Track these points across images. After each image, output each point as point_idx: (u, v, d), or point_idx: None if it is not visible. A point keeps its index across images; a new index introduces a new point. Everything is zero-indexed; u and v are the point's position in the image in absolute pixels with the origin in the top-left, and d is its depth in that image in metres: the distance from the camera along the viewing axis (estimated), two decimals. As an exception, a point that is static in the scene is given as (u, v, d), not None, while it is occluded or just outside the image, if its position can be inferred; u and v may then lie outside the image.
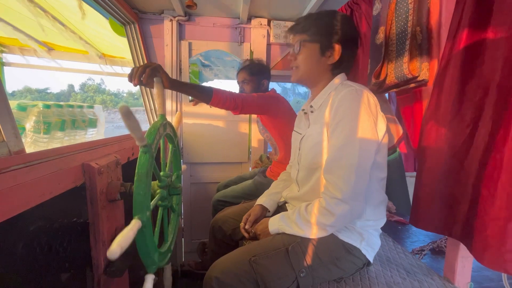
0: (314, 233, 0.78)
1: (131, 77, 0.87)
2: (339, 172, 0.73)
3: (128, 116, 0.55)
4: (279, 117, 1.40)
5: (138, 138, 0.59)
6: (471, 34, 0.66)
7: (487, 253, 0.63)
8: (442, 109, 0.73)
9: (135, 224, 0.58)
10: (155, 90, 0.86)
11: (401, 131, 1.33)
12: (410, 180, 2.25)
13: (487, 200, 0.63)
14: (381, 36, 1.00)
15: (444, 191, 0.73)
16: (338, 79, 0.86)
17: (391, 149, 1.82)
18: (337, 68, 0.87)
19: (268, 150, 2.03)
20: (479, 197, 0.65)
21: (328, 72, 0.87)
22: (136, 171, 0.63)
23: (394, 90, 0.98)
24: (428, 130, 0.76)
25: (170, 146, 0.94)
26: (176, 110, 1.88)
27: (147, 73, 0.85)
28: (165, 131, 0.81)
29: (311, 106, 0.88)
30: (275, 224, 0.86)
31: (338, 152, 0.74)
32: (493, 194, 0.62)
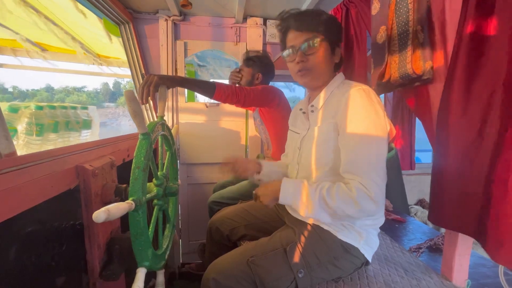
0: (326, 218, 0.74)
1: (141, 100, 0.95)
2: (362, 172, 0.71)
3: (132, 101, 0.58)
4: (279, 109, 1.42)
5: (139, 124, 0.62)
6: (476, 33, 0.67)
7: (500, 251, 0.63)
8: (452, 109, 0.73)
9: (129, 202, 0.58)
10: (158, 95, 0.93)
11: (394, 132, 1.35)
12: (406, 178, 2.27)
13: (499, 198, 0.64)
14: (382, 35, 1.00)
15: (458, 189, 0.73)
16: (339, 78, 0.87)
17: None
18: (337, 67, 0.89)
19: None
20: (491, 196, 0.65)
21: (332, 72, 0.87)
22: (134, 155, 0.63)
23: (399, 89, 0.99)
24: (440, 130, 0.77)
25: (167, 153, 0.93)
26: (172, 107, 1.87)
27: (152, 92, 0.94)
28: (163, 130, 0.82)
29: (311, 106, 0.87)
30: (289, 196, 0.77)
31: (355, 152, 0.72)
32: (504, 193, 0.62)
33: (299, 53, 0.81)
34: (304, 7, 1.62)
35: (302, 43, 0.81)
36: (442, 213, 0.79)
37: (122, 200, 0.73)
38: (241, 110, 1.93)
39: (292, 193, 0.77)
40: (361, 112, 0.73)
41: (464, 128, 0.71)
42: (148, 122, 1.00)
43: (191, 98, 1.97)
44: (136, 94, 0.59)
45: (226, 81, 1.92)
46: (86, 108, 2.25)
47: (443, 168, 0.77)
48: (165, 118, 0.92)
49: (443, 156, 0.77)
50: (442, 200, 0.78)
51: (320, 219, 0.76)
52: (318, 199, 0.73)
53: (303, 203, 0.75)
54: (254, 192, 0.84)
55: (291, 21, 0.83)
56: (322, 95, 0.86)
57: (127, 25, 1.67)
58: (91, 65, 2.36)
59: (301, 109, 0.94)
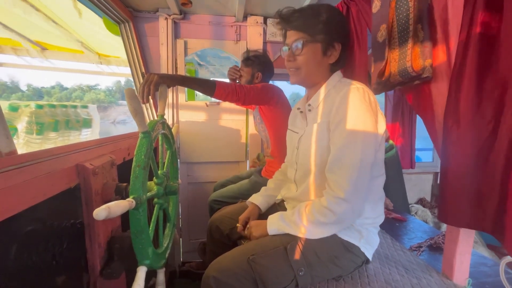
0: (315, 233, 0.77)
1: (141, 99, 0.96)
2: (341, 171, 0.73)
3: (133, 99, 0.58)
4: (278, 107, 1.43)
5: (139, 122, 0.62)
6: (484, 30, 0.66)
7: None
8: (461, 107, 0.72)
9: (129, 200, 0.58)
10: (159, 94, 0.93)
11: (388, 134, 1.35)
12: (407, 177, 2.27)
13: None
14: (383, 33, 0.99)
15: (471, 187, 0.73)
16: (336, 77, 0.86)
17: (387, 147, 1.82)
18: (335, 66, 0.88)
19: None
20: (507, 193, 0.65)
21: (328, 71, 0.87)
22: (134, 154, 0.63)
23: (399, 87, 0.98)
24: (449, 128, 0.76)
25: (168, 152, 0.93)
26: (173, 105, 1.87)
27: (152, 91, 0.94)
28: (164, 129, 0.82)
29: (309, 105, 0.88)
30: (274, 224, 0.84)
31: (340, 151, 0.74)
32: None
33: (288, 52, 0.85)
34: (304, 5, 1.62)
35: (292, 42, 0.84)
36: (453, 212, 0.78)
37: (123, 199, 0.73)
38: (241, 108, 1.93)
39: (276, 229, 0.83)
40: (352, 111, 0.74)
41: (477, 127, 0.70)
42: (148, 121, 1.00)
43: (192, 97, 1.97)
44: (136, 93, 0.59)
45: (227, 80, 1.92)
46: (86, 107, 2.25)
47: (454, 167, 0.76)
48: (165, 116, 0.92)
49: (453, 155, 0.76)
50: (453, 198, 0.77)
51: (316, 235, 0.78)
52: (303, 220, 0.78)
53: (292, 229, 0.80)
54: (248, 234, 0.91)
55: (284, 20, 0.85)
56: (319, 94, 0.86)
57: (127, 23, 1.66)
58: (91, 64, 2.36)
59: (298, 108, 0.94)
